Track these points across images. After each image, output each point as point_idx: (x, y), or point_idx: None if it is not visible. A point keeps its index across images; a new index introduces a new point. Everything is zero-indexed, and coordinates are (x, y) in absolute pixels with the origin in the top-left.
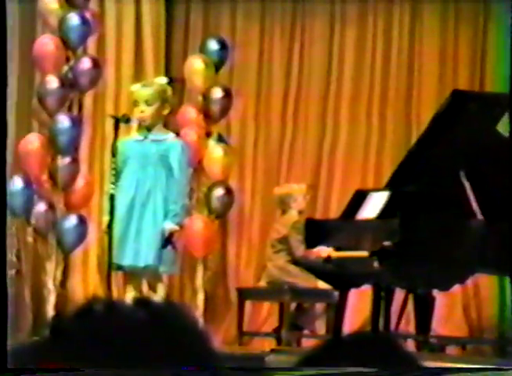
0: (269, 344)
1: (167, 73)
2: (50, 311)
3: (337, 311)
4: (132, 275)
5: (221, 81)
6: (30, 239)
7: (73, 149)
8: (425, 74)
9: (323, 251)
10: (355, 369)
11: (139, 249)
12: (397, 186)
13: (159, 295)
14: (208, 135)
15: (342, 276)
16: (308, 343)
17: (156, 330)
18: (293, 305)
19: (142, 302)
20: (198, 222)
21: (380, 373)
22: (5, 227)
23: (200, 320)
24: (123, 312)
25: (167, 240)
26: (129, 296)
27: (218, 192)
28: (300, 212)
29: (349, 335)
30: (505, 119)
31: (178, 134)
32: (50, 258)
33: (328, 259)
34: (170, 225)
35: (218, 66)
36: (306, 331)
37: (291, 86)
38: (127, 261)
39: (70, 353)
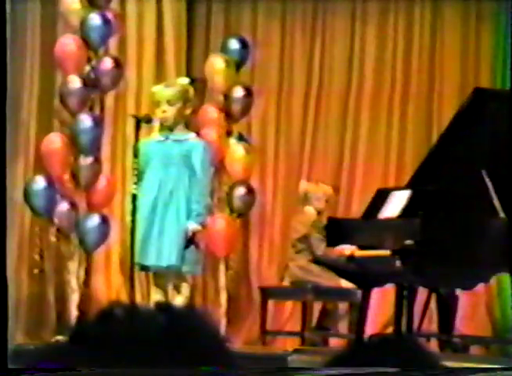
0: (292, 343)
1: (189, 72)
2: (73, 310)
3: (360, 310)
4: (157, 276)
5: (243, 80)
6: (52, 238)
7: (95, 148)
8: (446, 71)
9: (347, 249)
10: (376, 369)
11: (162, 249)
12: (418, 184)
13: (183, 296)
14: (229, 134)
15: (364, 275)
16: (334, 343)
17: (177, 336)
18: (317, 310)
19: (162, 307)
20: (220, 222)
21: (401, 374)
22: (5, 223)
23: (223, 320)
24: (143, 317)
25: (190, 240)
26: (154, 298)
27: (240, 191)
28: (319, 212)
29: (372, 339)
30: None
31: (198, 133)
32: (73, 258)
33: (351, 258)
34: (193, 226)
35: (239, 66)
36: (331, 332)
37: (312, 85)
38: (150, 261)
39: (91, 359)
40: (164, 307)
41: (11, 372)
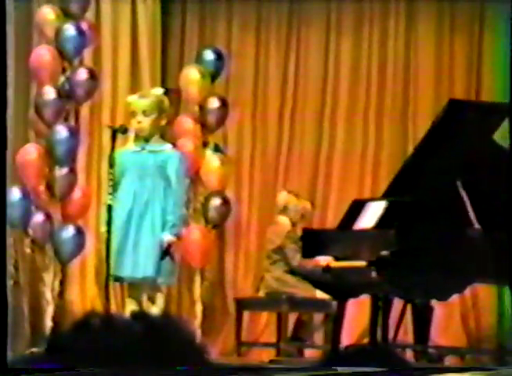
0: (267, 354)
1: (164, 83)
2: (48, 322)
3: (336, 321)
4: (132, 287)
5: (218, 91)
6: (27, 250)
7: (70, 159)
8: (421, 83)
9: (323, 260)
10: (353, 369)
11: (137, 260)
12: (394, 195)
13: (158, 306)
14: (205, 145)
15: (340, 286)
16: (310, 354)
17: (153, 343)
18: (292, 320)
19: (139, 316)
20: (195, 232)
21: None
22: (5, 238)
23: (198, 331)
24: (120, 326)
25: (166, 252)
26: (129, 308)
27: (215, 202)
28: (293, 224)
29: (348, 349)
30: (501, 128)
31: (174, 144)
32: (48, 269)
33: (327, 269)
34: (168, 237)
35: (214, 77)
36: (307, 343)
37: (287, 96)
38: (125, 272)
39: (68, 368)
40: (140, 316)
41: (10, 372)
